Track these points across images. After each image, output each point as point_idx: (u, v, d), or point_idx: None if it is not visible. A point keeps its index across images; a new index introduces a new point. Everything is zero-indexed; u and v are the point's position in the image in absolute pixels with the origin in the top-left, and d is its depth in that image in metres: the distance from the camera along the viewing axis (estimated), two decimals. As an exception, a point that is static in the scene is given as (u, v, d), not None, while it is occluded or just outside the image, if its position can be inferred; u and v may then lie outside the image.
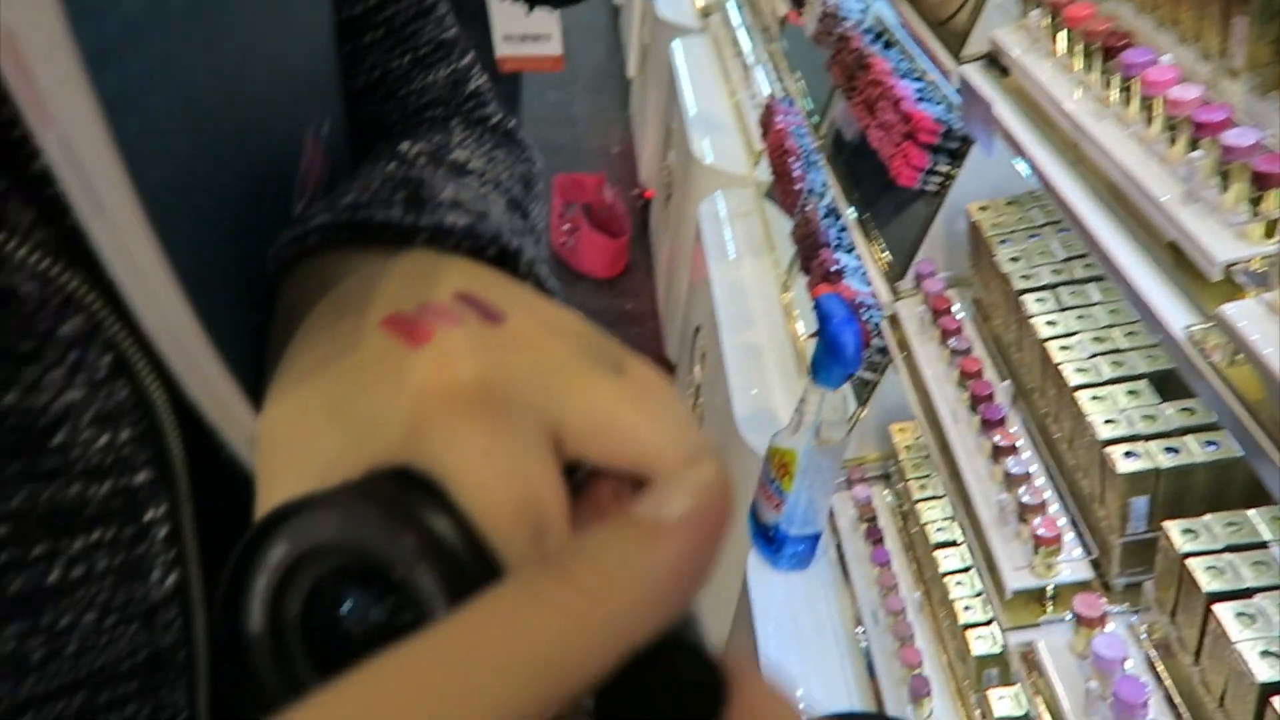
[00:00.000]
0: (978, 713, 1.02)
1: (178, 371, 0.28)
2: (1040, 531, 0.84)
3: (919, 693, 1.06)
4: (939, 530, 1.13)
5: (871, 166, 1.32)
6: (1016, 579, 0.85)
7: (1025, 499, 0.88)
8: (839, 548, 1.28)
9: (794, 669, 1.19)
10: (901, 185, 1.20)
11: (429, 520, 0.22)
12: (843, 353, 1.11)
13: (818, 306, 1.17)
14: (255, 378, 0.30)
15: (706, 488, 0.21)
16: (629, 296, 2.79)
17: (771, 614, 1.24)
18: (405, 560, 0.22)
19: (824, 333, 1.15)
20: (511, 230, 0.34)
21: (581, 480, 0.26)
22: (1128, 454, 0.79)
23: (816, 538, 1.26)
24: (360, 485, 0.23)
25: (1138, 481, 0.78)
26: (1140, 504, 0.78)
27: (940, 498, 1.15)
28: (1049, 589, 0.87)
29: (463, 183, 0.37)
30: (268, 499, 0.26)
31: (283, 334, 0.30)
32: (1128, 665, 0.76)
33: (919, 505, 1.16)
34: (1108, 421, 0.82)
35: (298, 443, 0.26)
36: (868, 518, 1.26)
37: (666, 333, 2.48)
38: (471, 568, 0.22)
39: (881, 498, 1.30)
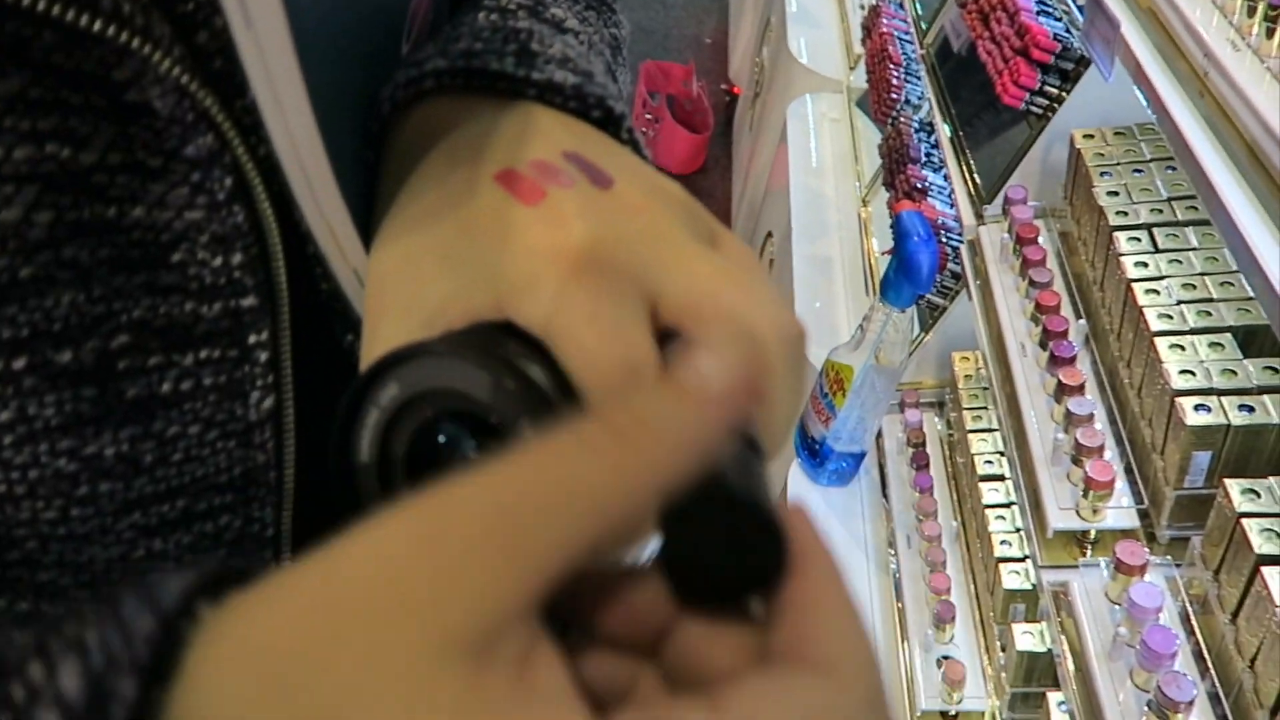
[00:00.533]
0: (999, 645, 1.02)
1: (298, 196, 0.28)
2: (1092, 474, 0.82)
3: (943, 618, 1.06)
4: (986, 463, 1.11)
5: (975, 82, 1.26)
6: (1061, 519, 0.84)
7: (1082, 440, 0.86)
8: (881, 469, 1.27)
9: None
10: (1004, 104, 1.14)
11: (529, 372, 0.23)
12: (916, 273, 1.08)
13: (897, 223, 1.13)
14: (364, 212, 0.31)
15: (745, 361, 0.23)
16: (703, 195, 2.74)
17: (805, 524, 1.25)
18: (506, 410, 0.23)
19: (899, 250, 1.12)
20: (612, 94, 0.34)
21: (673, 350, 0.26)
22: (1198, 407, 0.76)
23: (861, 457, 1.25)
24: (467, 335, 0.24)
25: (1205, 436, 0.76)
26: (1202, 458, 0.76)
27: (992, 431, 1.13)
28: (1092, 533, 0.85)
29: (565, 40, 0.36)
30: (374, 336, 0.27)
31: (394, 175, 0.31)
32: (1161, 616, 0.75)
33: (970, 436, 1.15)
34: (1183, 372, 0.79)
35: (407, 286, 0.27)
36: (915, 443, 1.25)
37: (737, 228, 2.44)
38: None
39: (932, 424, 1.28)
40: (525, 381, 0.23)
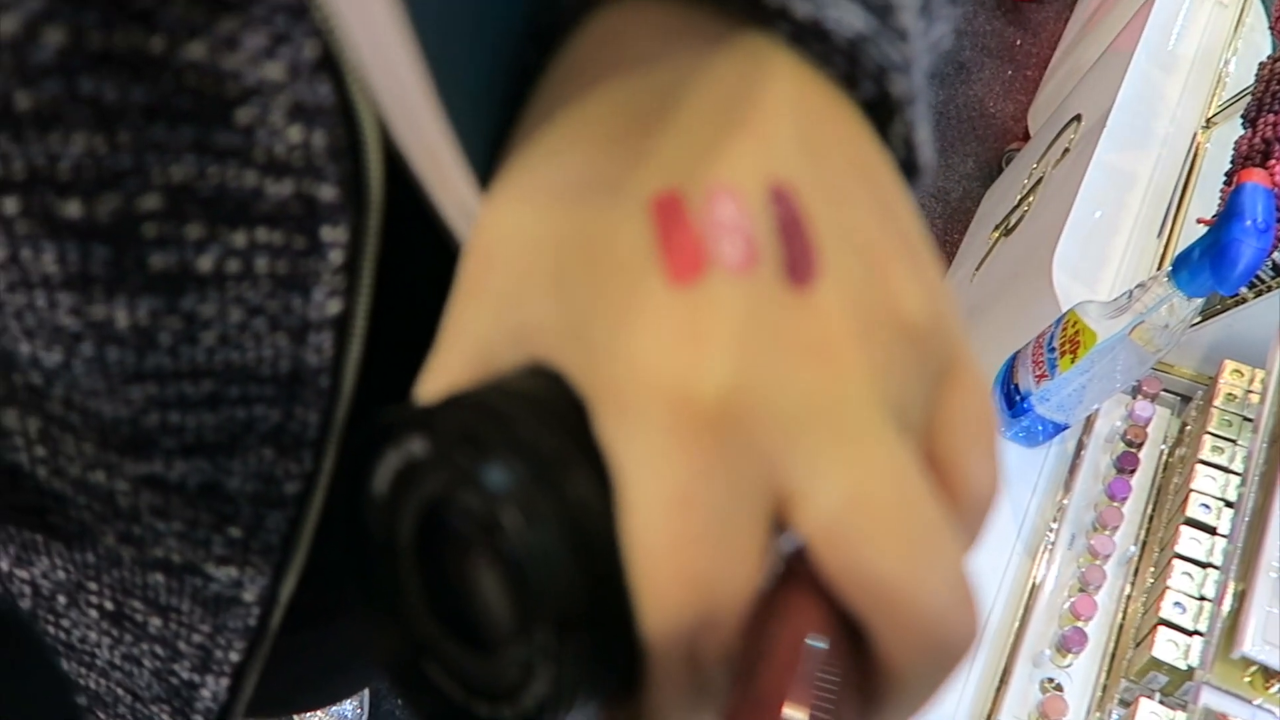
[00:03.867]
0: (1117, 701, 0.89)
1: (386, 108, 0.22)
2: (1327, 624, 0.65)
3: (1069, 644, 0.93)
4: (1203, 506, 0.93)
5: None
6: (1258, 649, 0.68)
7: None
8: (1079, 449, 1.10)
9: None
10: None
11: (579, 531, 0.18)
12: (1228, 267, 0.86)
13: (1233, 193, 0.89)
14: (492, 131, 0.24)
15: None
16: (1027, 30, 2.36)
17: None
18: (520, 548, 0.18)
19: (1220, 228, 0.88)
20: (900, 61, 0.23)
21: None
22: None
23: (1063, 428, 1.08)
24: (532, 423, 0.19)
25: None
26: None
27: (1229, 473, 0.94)
28: (1289, 676, 0.69)
29: None
30: (460, 314, 0.22)
31: (554, 94, 0.23)
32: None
33: (1199, 466, 0.96)
34: None
35: (509, 276, 0.21)
36: (1132, 441, 1.06)
37: (1040, 94, 2.10)
38: (594, 617, 0.18)
39: (1161, 426, 1.08)
40: (565, 540, 0.18)
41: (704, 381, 0.18)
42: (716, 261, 0.19)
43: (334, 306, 0.26)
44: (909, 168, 0.24)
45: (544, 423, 0.19)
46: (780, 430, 0.18)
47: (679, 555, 0.18)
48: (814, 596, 0.18)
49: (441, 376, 0.22)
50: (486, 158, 0.24)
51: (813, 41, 0.21)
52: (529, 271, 0.21)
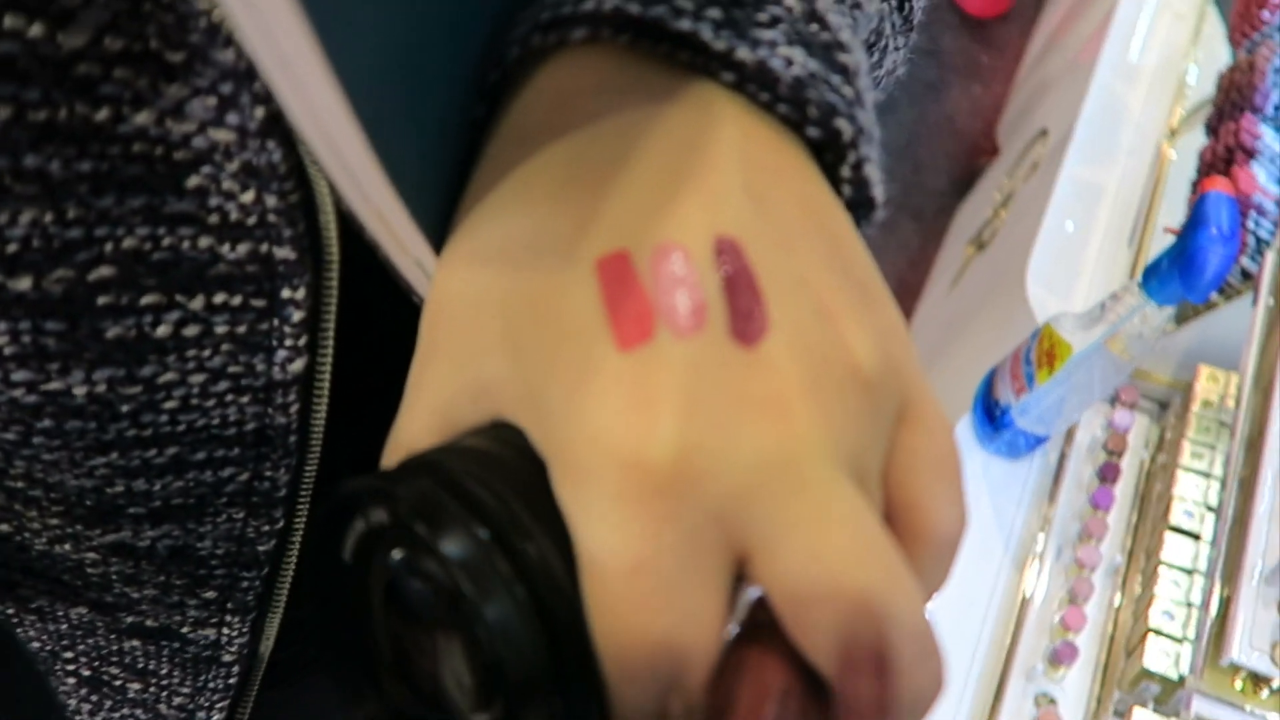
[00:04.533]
0: (1112, 713, 0.89)
1: (330, 172, 0.22)
2: (1311, 628, 0.66)
3: (1060, 658, 0.93)
4: (1186, 514, 0.93)
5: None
6: (1247, 655, 0.69)
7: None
8: (1061, 460, 1.10)
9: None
10: None
11: (537, 599, 0.18)
12: (1195, 274, 0.87)
13: (1198, 203, 0.90)
14: (445, 188, 0.24)
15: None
16: (992, 48, 2.39)
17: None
18: (474, 624, 0.18)
19: (1186, 237, 0.90)
20: (845, 101, 0.23)
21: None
22: None
23: (1043, 441, 1.09)
24: (480, 491, 0.19)
25: None
26: None
27: (1209, 478, 0.95)
28: (1277, 681, 0.70)
29: None
30: (421, 375, 0.22)
31: (503, 152, 0.23)
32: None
33: (1180, 473, 0.96)
34: None
35: (466, 334, 0.21)
36: (1112, 450, 1.07)
37: (1008, 109, 2.13)
38: (545, 670, 0.18)
39: (1142, 434, 1.09)
40: (525, 608, 0.18)
41: (655, 445, 0.18)
42: (666, 323, 0.19)
43: (297, 365, 0.26)
44: (862, 205, 0.24)
45: (503, 486, 0.19)
46: (734, 489, 0.18)
47: (639, 619, 0.18)
48: (778, 648, 0.18)
49: (405, 438, 0.22)
50: (441, 214, 0.24)
51: (758, 87, 0.21)
52: (484, 332, 0.21)
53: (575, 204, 0.21)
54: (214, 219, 0.23)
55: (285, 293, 0.25)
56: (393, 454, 0.22)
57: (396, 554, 0.19)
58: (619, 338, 0.19)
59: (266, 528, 0.30)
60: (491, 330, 0.21)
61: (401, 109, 0.22)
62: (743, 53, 0.21)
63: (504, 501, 0.19)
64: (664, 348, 0.19)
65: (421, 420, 0.21)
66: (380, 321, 0.29)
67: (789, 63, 0.21)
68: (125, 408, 0.25)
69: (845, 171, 0.23)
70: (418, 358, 0.22)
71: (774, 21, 0.22)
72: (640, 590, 0.18)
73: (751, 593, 0.19)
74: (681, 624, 0.18)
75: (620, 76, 0.22)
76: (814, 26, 0.22)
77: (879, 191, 0.24)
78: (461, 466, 0.19)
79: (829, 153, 0.23)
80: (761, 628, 0.19)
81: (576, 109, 0.22)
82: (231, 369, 0.26)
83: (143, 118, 0.21)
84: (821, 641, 0.18)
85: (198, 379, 0.26)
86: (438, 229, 0.24)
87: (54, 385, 0.24)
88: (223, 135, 0.22)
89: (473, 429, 0.21)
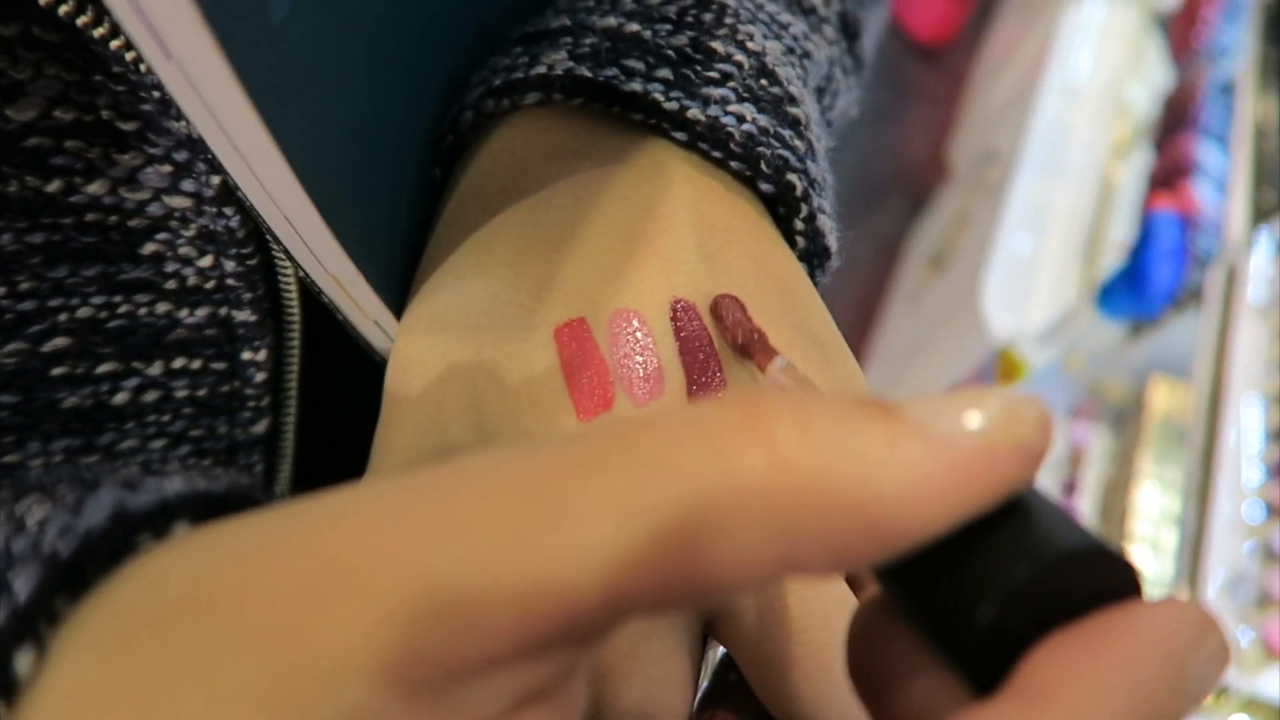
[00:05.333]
0: None
1: (283, 239, 0.22)
2: (1271, 635, 0.67)
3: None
4: (1145, 522, 0.95)
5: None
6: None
7: None
8: (1025, 476, 1.12)
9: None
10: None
11: None
12: (1146, 291, 0.89)
13: (1145, 222, 0.92)
14: (404, 250, 0.24)
15: None
16: (941, 71, 2.44)
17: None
18: None
19: (1136, 256, 0.92)
20: (798, 154, 0.23)
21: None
22: None
23: (1006, 457, 1.10)
24: None
25: None
26: None
27: (1168, 488, 0.96)
28: (1228, 691, 0.71)
29: (741, 32, 0.24)
30: (387, 440, 0.22)
31: (460, 215, 0.23)
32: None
33: (1138, 484, 0.98)
34: None
35: (430, 399, 0.21)
36: (1076, 463, 1.08)
37: (959, 132, 2.17)
38: None
39: (1102, 445, 1.11)
40: None
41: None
42: (624, 389, 0.19)
43: (260, 426, 0.26)
44: (817, 254, 0.24)
45: None
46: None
47: (607, 687, 0.18)
48: (747, 707, 0.19)
49: None
50: (398, 276, 0.24)
51: (711, 145, 0.22)
52: (447, 398, 0.21)
53: (533, 270, 0.21)
54: (171, 284, 0.23)
55: (246, 355, 0.25)
56: None
57: None
58: (578, 406, 0.19)
59: None
60: (455, 397, 0.21)
61: (355, 177, 0.22)
62: (694, 112, 0.21)
63: None
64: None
65: None
66: (345, 379, 0.29)
67: (740, 119, 0.22)
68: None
69: (799, 224, 0.23)
70: (383, 420, 0.22)
71: (725, 78, 0.22)
72: (607, 659, 0.18)
73: (719, 651, 0.19)
74: (650, 691, 0.18)
75: (573, 140, 0.22)
76: (764, 81, 0.22)
77: (833, 241, 0.24)
78: None
79: (782, 205, 0.23)
80: (730, 688, 0.19)
81: (530, 174, 0.22)
82: (193, 433, 0.26)
83: (95, 187, 0.21)
84: (786, 707, 0.18)
85: (158, 444, 0.25)
86: (395, 290, 0.24)
87: (10, 458, 0.24)
88: (178, 201, 0.22)
89: None
